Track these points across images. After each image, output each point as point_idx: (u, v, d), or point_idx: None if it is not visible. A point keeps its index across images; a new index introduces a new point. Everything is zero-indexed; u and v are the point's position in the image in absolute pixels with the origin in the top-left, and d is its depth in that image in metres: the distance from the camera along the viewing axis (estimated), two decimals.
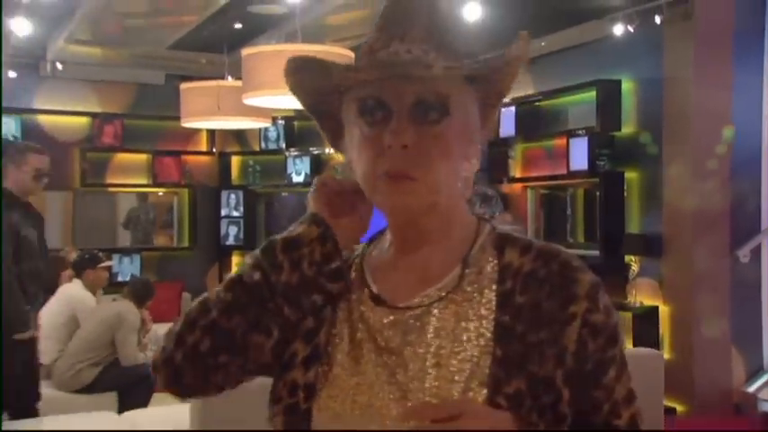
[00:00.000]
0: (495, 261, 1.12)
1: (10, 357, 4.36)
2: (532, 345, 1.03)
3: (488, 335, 1.05)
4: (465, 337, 1.06)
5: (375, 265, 1.20)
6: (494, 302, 1.08)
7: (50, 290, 5.87)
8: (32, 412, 4.57)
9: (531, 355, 1.03)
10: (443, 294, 1.11)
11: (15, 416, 4.39)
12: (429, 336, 1.08)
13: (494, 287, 1.10)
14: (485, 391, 1.02)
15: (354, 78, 1.12)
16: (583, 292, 1.07)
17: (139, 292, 5.71)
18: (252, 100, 4.67)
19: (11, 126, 8.25)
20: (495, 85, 1.20)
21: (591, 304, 1.07)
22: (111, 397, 5.33)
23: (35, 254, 4.55)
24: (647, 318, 6.23)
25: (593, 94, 6.71)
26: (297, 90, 1.22)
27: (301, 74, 1.18)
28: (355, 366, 1.11)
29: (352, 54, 5.06)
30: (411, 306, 1.11)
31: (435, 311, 1.10)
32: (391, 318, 1.11)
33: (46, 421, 4.28)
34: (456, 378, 1.04)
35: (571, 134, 6.91)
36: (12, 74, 7.97)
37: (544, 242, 1.15)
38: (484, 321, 1.07)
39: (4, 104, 8.16)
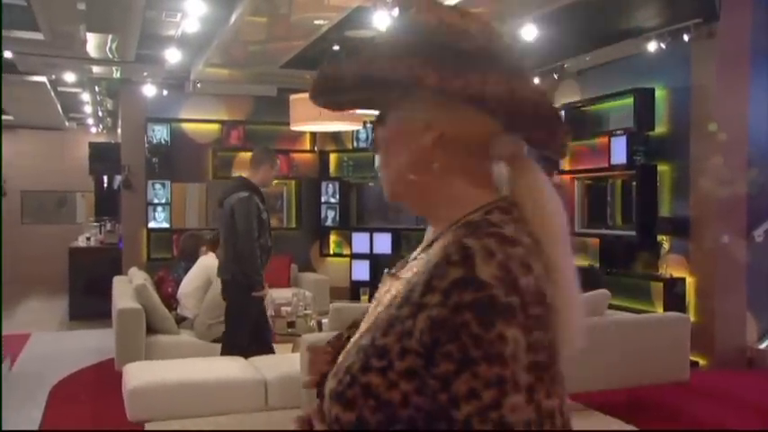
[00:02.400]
0: (443, 242, 0.94)
1: (250, 309, 4.78)
2: (393, 316, 0.89)
3: (395, 302, 0.92)
4: (388, 303, 0.95)
5: None
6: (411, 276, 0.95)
7: (192, 260, 6.14)
8: (269, 350, 4.90)
9: (389, 322, 0.89)
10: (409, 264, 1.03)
11: (257, 353, 4.62)
12: (384, 302, 0.98)
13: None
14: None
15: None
16: (441, 286, 0.85)
17: (215, 239, 5.94)
18: (298, 127, 4.76)
19: (163, 132, 8.62)
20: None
21: (442, 299, 0.85)
22: None
23: (267, 231, 4.89)
24: (675, 287, 6.15)
25: (630, 100, 6.62)
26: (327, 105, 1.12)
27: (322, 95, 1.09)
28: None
29: None
30: (398, 275, 1.02)
31: (398, 281, 1.00)
32: (386, 286, 1.04)
33: (189, 362, 4.47)
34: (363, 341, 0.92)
35: (612, 134, 6.83)
36: (164, 92, 8.42)
37: (478, 233, 0.90)
38: (397, 291, 0.96)
39: (160, 116, 8.60)
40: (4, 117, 11.34)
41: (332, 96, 1.08)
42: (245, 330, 4.81)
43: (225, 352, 4.81)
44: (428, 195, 1.00)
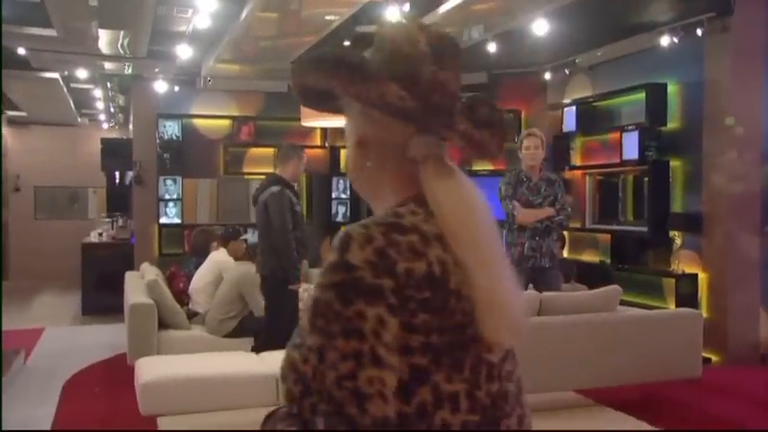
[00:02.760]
0: None
1: (285, 301, 4.85)
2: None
3: None
4: None
5: None
6: None
7: (203, 255, 6.17)
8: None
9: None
10: None
11: (265, 350, 4.65)
12: None
13: None
14: None
15: None
16: (323, 269, 0.97)
17: (226, 235, 6.15)
18: (309, 123, 4.79)
19: (174, 128, 8.64)
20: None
21: (319, 280, 0.96)
22: (249, 341, 5.56)
23: (302, 224, 5.00)
24: (688, 283, 6.13)
25: (642, 95, 6.59)
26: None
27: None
28: None
29: None
30: None
31: None
32: None
33: (200, 357, 4.49)
34: None
35: (624, 129, 6.80)
36: (176, 88, 8.45)
37: (368, 222, 0.98)
38: None
39: (171, 111, 8.64)
40: (17, 113, 11.43)
41: (312, 104, 1.16)
42: (283, 325, 4.82)
43: (262, 348, 4.81)
44: (367, 189, 1.13)
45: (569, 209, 5.25)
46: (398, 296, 0.93)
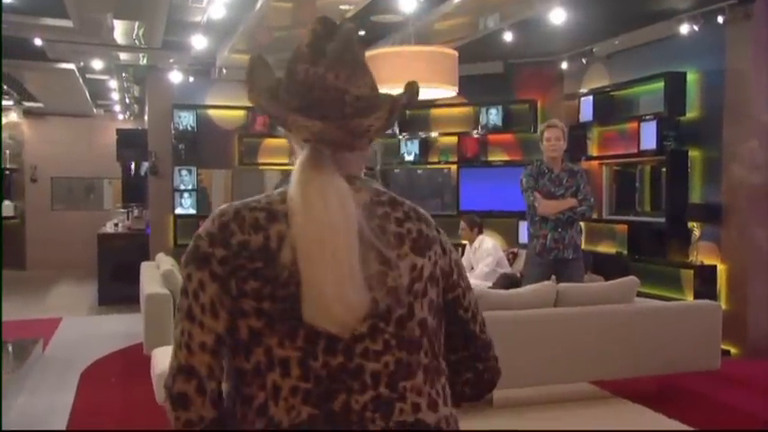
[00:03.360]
0: None
1: None
2: None
3: None
4: None
5: None
6: None
7: None
8: None
9: None
10: None
11: None
12: None
13: None
14: None
15: None
16: None
17: None
18: None
19: (189, 119, 8.68)
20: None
21: None
22: None
23: None
24: (706, 275, 6.08)
25: (661, 84, 6.53)
26: None
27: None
28: None
29: (455, 54, 5.10)
30: None
31: None
32: None
33: None
34: None
35: (641, 119, 6.75)
36: (190, 78, 8.46)
37: (236, 202, 1.17)
38: None
39: (185, 102, 8.66)
40: (34, 104, 11.52)
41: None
42: None
43: None
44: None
45: (592, 199, 5.24)
46: (227, 264, 1.09)
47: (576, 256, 5.17)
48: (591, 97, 7.44)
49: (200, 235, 1.13)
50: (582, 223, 7.18)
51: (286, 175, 1.15)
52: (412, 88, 1.20)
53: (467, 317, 1.27)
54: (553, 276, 5.07)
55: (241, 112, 8.88)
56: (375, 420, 1.08)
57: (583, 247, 7.27)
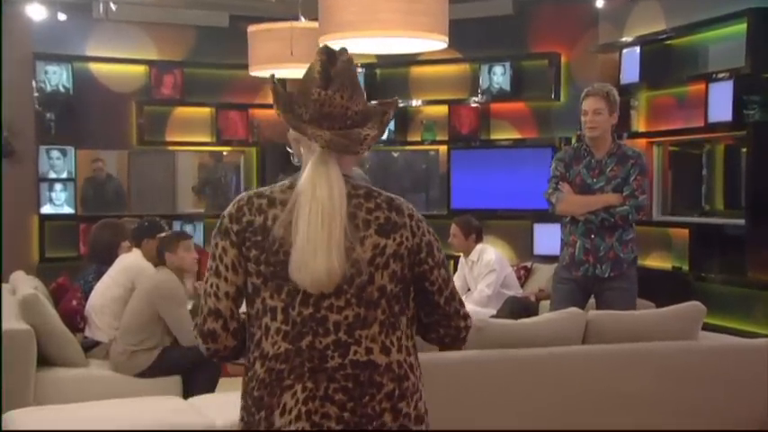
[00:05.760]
0: None
1: None
2: None
3: None
4: None
5: None
6: None
7: (107, 260, 6.13)
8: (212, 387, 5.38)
9: None
10: None
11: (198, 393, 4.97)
12: None
13: None
14: None
15: None
16: None
17: (141, 230, 6.11)
18: (330, 44, 4.74)
19: (61, 76, 8.53)
20: None
21: None
22: (176, 380, 5.52)
23: None
24: None
25: (741, 26, 6.52)
26: None
27: None
28: None
29: None
30: None
31: None
32: None
33: (102, 407, 4.46)
34: None
35: (711, 78, 6.77)
36: (61, 16, 8.14)
37: (253, 190, 2.27)
38: None
39: (53, 51, 8.49)
40: None
41: None
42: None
43: (194, 390, 4.89)
44: None
45: (642, 198, 5.22)
46: (239, 236, 2.17)
47: (617, 275, 5.18)
48: (637, 48, 7.47)
49: (224, 215, 2.21)
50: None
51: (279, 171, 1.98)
52: (393, 104, 2.34)
53: (432, 289, 2.25)
54: (592, 302, 5.09)
55: (140, 69, 8.83)
56: (334, 357, 2.11)
57: None
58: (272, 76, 2.40)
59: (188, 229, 8.77)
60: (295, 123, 2.20)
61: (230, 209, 2.21)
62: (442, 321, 2.30)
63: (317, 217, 2.06)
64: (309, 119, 2.17)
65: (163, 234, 6.05)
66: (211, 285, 2.19)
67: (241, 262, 2.16)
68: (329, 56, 2.23)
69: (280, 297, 2.12)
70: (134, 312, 5.53)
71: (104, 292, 5.87)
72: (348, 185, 2.15)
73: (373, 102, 2.31)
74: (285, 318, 2.12)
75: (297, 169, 2.24)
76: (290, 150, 2.36)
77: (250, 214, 2.16)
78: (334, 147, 2.14)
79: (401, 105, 8.84)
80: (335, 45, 5.12)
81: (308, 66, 2.24)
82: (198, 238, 8.76)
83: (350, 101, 2.18)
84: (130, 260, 5.96)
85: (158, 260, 5.74)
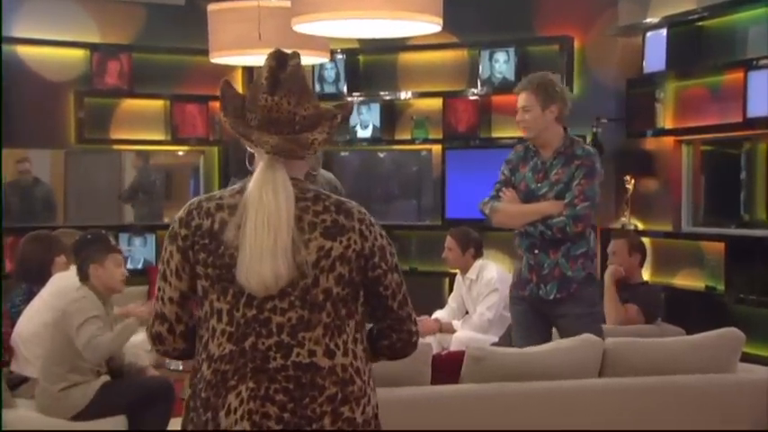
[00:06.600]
0: None
1: None
2: None
3: None
4: None
5: None
6: None
7: (39, 279, 6.08)
8: None
9: None
10: None
11: None
12: None
13: None
14: None
15: None
16: None
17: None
18: (303, 26, 4.73)
19: None
20: None
21: None
22: (119, 421, 5.47)
23: None
24: None
25: None
26: None
27: None
28: None
29: None
30: None
31: None
32: None
33: None
34: None
35: (750, 65, 6.78)
36: None
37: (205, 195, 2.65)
38: None
39: None
40: None
41: None
42: None
43: None
44: None
45: (582, 206, 5.06)
46: (186, 241, 2.52)
47: (564, 298, 5.13)
48: (664, 31, 7.48)
49: (175, 219, 2.55)
50: (647, 241, 7.23)
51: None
52: (346, 107, 2.73)
53: (386, 293, 2.57)
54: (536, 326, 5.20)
55: (79, 53, 8.81)
56: (276, 359, 2.44)
57: (649, 277, 7.36)
58: (226, 81, 2.66)
59: (137, 242, 8.74)
60: (241, 130, 2.53)
61: (181, 213, 2.55)
62: (395, 326, 2.62)
63: (263, 222, 2.40)
64: (258, 124, 2.50)
65: (85, 237, 6.03)
66: (159, 289, 2.59)
67: (185, 267, 2.52)
68: (279, 60, 2.54)
69: (225, 299, 2.47)
70: (52, 341, 5.44)
71: (34, 317, 5.80)
72: (296, 189, 2.48)
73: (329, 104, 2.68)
74: (230, 319, 2.46)
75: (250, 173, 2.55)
76: (252, 151, 2.59)
77: (199, 218, 2.51)
78: (280, 152, 2.46)
79: (388, 98, 8.90)
80: (311, 27, 5.17)
81: None
82: (149, 252, 8.74)
83: (297, 106, 2.51)
84: (66, 280, 5.90)
85: (80, 277, 5.59)
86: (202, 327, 2.53)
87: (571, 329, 4.96)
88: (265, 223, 2.39)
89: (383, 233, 2.59)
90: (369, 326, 2.68)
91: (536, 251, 5.17)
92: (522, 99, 5.24)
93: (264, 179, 2.44)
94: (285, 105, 2.49)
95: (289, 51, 2.60)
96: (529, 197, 5.22)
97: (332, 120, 2.55)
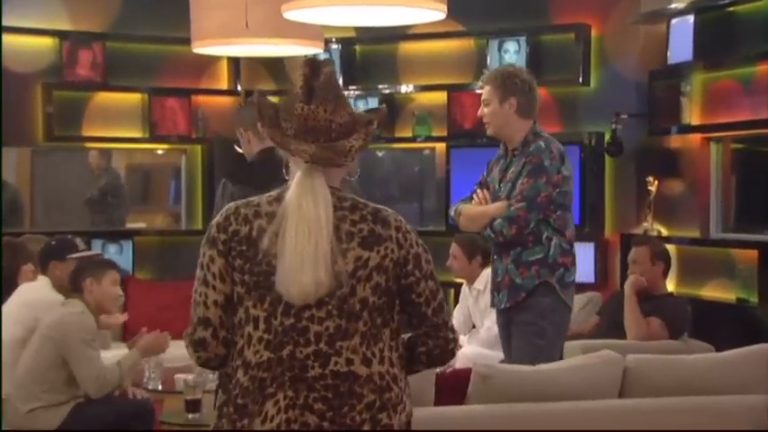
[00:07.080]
0: None
1: None
2: None
3: None
4: None
5: None
6: None
7: (6, 290, 6.07)
8: None
9: None
10: None
11: None
12: None
13: None
14: None
15: None
16: None
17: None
18: (294, 13, 4.73)
19: None
20: None
21: None
22: None
23: None
24: None
25: None
26: None
27: None
28: None
29: None
30: None
31: None
32: None
33: None
34: None
35: None
36: None
37: (242, 200, 2.88)
38: None
39: None
40: None
41: None
42: None
43: None
44: None
45: (517, 207, 5.13)
46: (226, 245, 2.77)
47: (512, 307, 5.21)
48: (691, 18, 7.49)
49: (212, 224, 2.80)
50: (672, 248, 7.24)
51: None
52: (380, 112, 2.98)
53: (419, 301, 2.80)
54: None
55: (48, 42, 8.82)
56: (314, 368, 2.66)
57: (675, 288, 7.36)
58: (260, 91, 3.02)
59: (112, 249, 8.71)
60: (279, 140, 2.78)
61: (218, 218, 2.81)
62: (431, 333, 2.84)
63: (304, 231, 2.63)
64: (294, 133, 2.74)
65: (83, 254, 6.03)
66: (200, 294, 2.77)
67: (228, 270, 2.74)
68: (312, 69, 2.77)
69: (262, 306, 2.70)
70: (33, 356, 5.46)
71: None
72: (334, 198, 2.71)
73: (361, 110, 2.96)
74: (267, 327, 2.69)
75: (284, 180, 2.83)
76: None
77: (236, 224, 2.75)
78: (318, 160, 2.70)
79: (387, 92, 8.95)
80: (303, 14, 5.21)
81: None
82: (126, 261, 8.68)
83: (333, 114, 2.74)
84: (35, 290, 5.91)
85: (72, 287, 5.64)
86: (237, 333, 2.75)
87: (514, 341, 5.17)
88: (306, 232, 2.62)
89: (419, 240, 2.83)
90: (407, 335, 2.89)
91: (495, 257, 5.34)
92: (483, 93, 5.36)
93: (303, 188, 2.68)
94: (321, 114, 2.73)
95: (321, 58, 2.86)
96: (495, 198, 5.33)
97: (367, 126, 2.81)
